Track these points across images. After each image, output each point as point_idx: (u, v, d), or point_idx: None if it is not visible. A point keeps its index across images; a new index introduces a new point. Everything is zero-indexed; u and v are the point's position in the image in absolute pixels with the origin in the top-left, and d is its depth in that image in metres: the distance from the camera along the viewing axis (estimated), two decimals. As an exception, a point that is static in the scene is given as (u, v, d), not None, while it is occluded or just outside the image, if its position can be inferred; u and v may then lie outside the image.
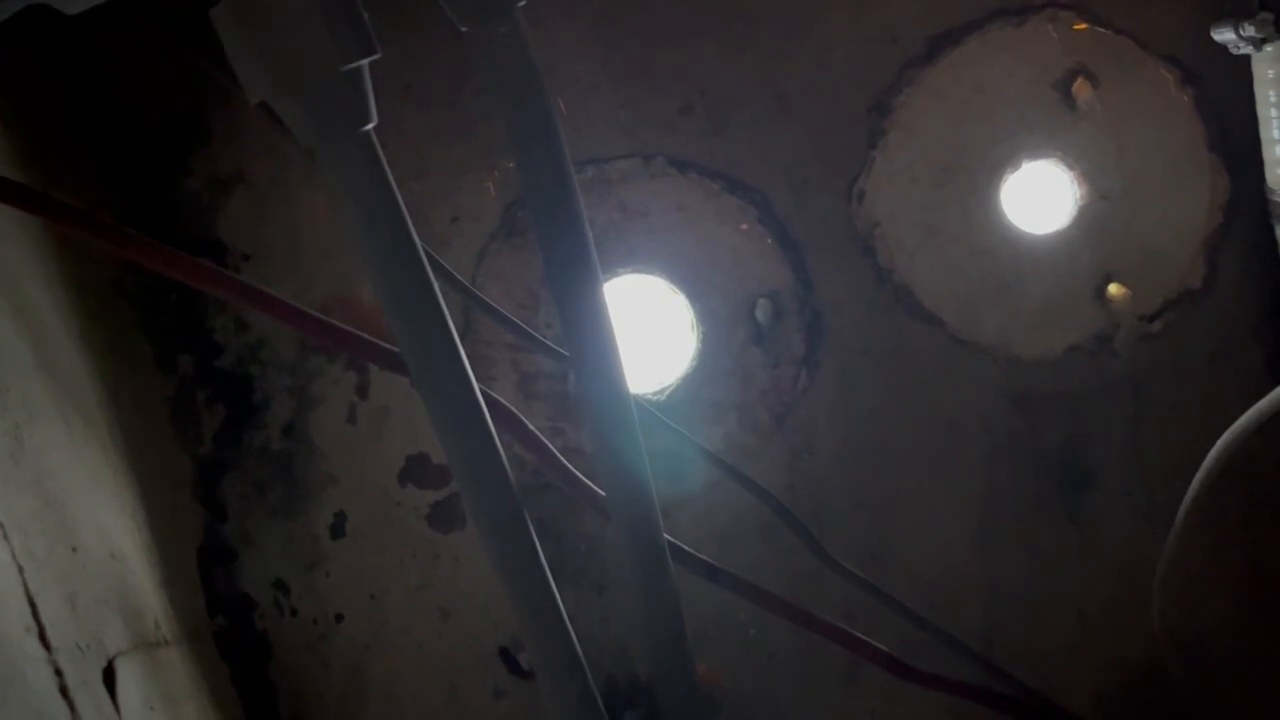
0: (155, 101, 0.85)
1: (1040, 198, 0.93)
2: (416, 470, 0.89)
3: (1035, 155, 0.91)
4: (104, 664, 0.58)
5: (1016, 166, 0.91)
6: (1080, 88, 0.90)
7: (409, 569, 0.89)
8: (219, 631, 0.86)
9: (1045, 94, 0.91)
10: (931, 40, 0.90)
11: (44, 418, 0.64)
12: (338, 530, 0.89)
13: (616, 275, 0.90)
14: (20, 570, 0.52)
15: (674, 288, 0.90)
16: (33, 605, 0.53)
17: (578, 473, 0.72)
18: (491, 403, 0.67)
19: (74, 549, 0.60)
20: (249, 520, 0.88)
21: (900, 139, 0.91)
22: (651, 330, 0.91)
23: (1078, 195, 0.92)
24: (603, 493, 0.71)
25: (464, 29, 0.56)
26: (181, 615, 0.78)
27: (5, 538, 0.52)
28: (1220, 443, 0.77)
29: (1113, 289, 0.91)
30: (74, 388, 0.71)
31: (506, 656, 0.90)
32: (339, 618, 0.89)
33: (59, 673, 0.53)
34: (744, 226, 0.90)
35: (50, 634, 0.53)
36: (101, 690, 0.57)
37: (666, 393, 0.91)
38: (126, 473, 0.77)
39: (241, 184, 0.87)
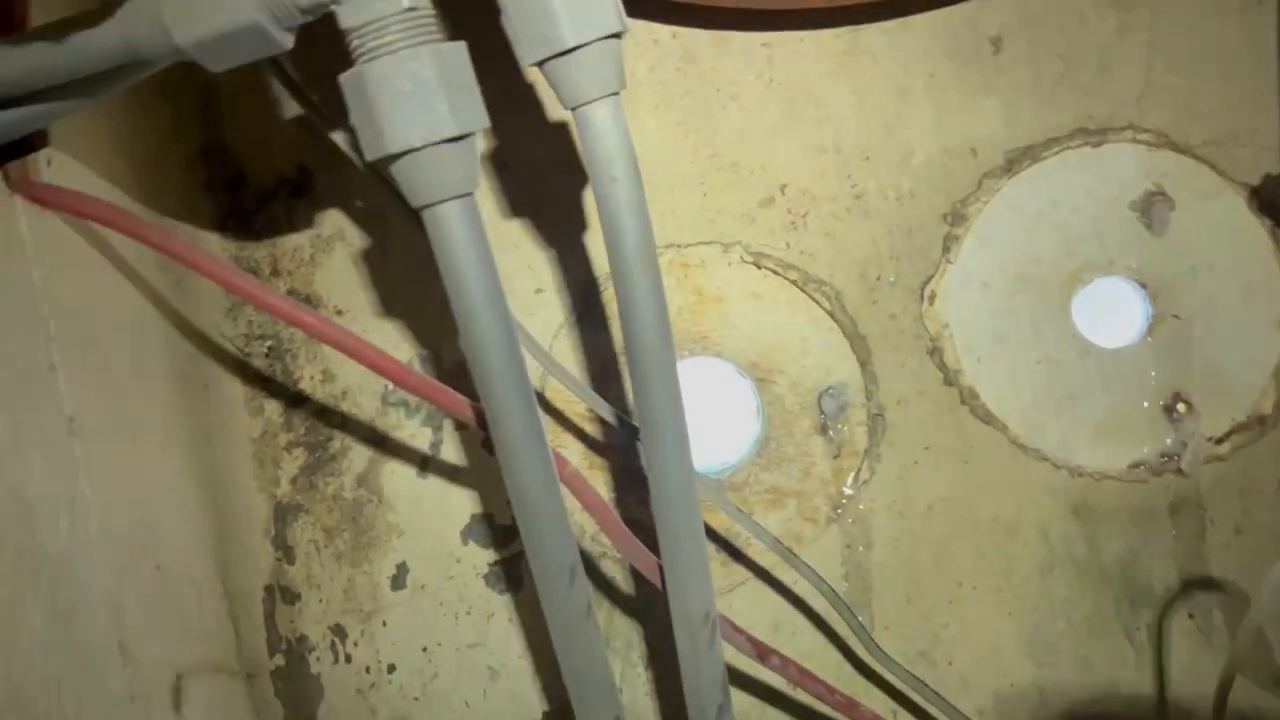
0: (270, 158, 0.92)
1: (1111, 312, 0.94)
2: (480, 529, 0.92)
3: (1108, 271, 0.93)
4: (173, 681, 0.61)
5: (1089, 280, 0.93)
6: (1155, 208, 0.92)
7: (463, 626, 0.91)
8: (276, 670, 0.89)
9: (1121, 212, 0.93)
10: (1010, 155, 0.93)
11: (148, 446, 0.68)
12: (398, 581, 0.91)
13: (687, 356, 0.92)
14: (113, 581, 0.56)
15: (742, 372, 0.93)
16: (118, 615, 0.56)
17: (636, 540, 0.74)
18: (559, 463, 0.70)
19: (158, 568, 0.63)
20: (315, 564, 0.91)
21: (974, 246, 0.93)
22: (716, 411, 0.93)
23: (1149, 313, 0.93)
24: (659, 560, 0.73)
25: (569, 109, 0.60)
26: (245, 649, 0.81)
27: (104, 549, 0.55)
28: (1276, 571, 0.76)
29: (1180, 408, 0.92)
30: (174, 422, 0.75)
31: (550, 722, 0.91)
32: (391, 668, 0.91)
33: (133, 682, 0.55)
34: (815, 318, 0.92)
35: (129, 645, 0.56)
36: (169, 704, 0.59)
37: (727, 474, 0.93)
38: (209, 507, 0.80)
39: (342, 242, 0.92)
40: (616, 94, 0.61)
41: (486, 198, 0.91)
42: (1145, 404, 0.93)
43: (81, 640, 0.51)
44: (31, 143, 0.59)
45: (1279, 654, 0.75)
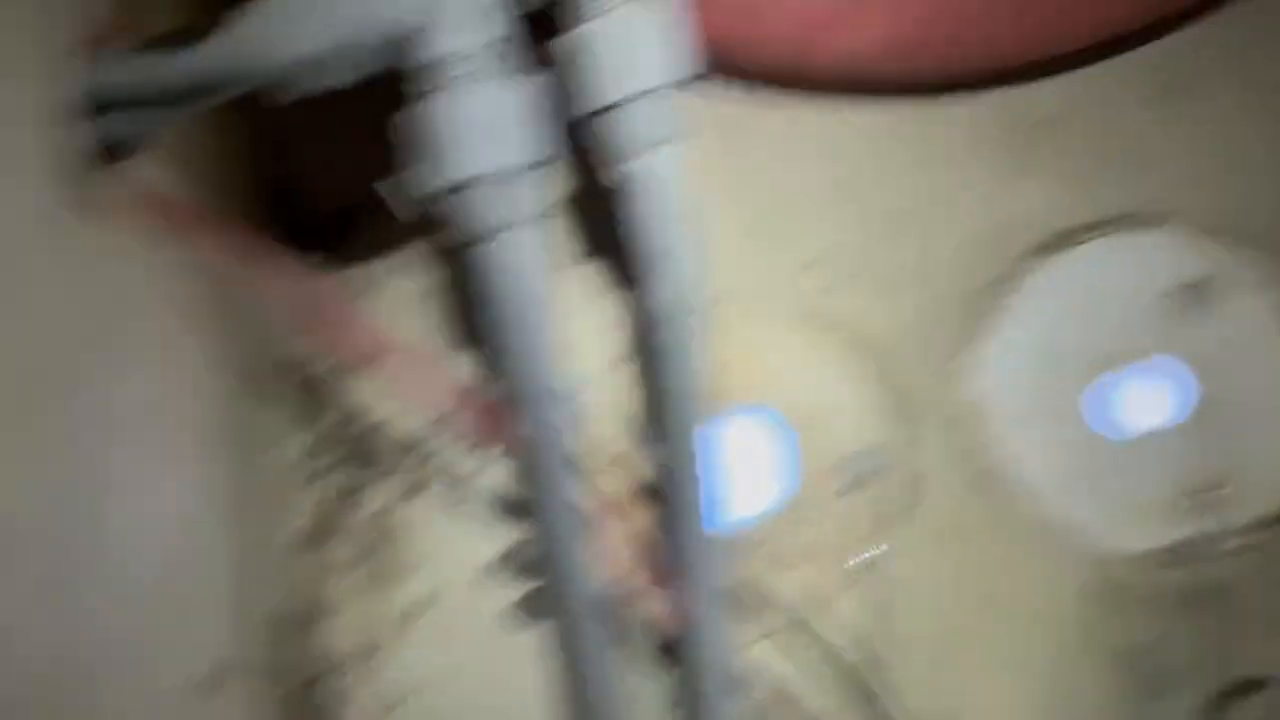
0: (330, 189, 0.95)
1: (1146, 397, 0.94)
2: (503, 566, 0.93)
3: (1145, 355, 0.94)
4: (208, 675, 0.62)
5: (1125, 364, 0.94)
6: (1194, 298, 0.93)
7: (480, 659, 0.92)
8: (298, 687, 0.90)
9: (1159, 299, 0.94)
10: (1052, 236, 0.95)
11: (198, 452, 0.70)
12: (420, 611, 0.92)
13: (723, 409, 0.93)
14: (161, 570, 0.57)
15: (777, 429, 0.94)
16: (165, 603, 0.57)
17: (658, 586, 0.75)
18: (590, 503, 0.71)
19: (200, 567, 0.65)
20: (341, 588, 0.92)
21: (1012, 322, 0.94)
22: (749, 465, 0.94)
23: (1184, 400, 0.93)
24: (682, 609, 0.73)
25: (626, 160, 0.62)
26: (272, 662, 0.82)
27: (155, 540, 0.57)
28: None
29: (1211, 496, 0.92)
30: (223, 434, 0.78)
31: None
32: (408, 696, 0.92)
33: (177, 669, 0.57)
34: (852, 382, 0.94)
35: (172, 633, 0.58)
36: (204, 695, 0.61)
37: (754, 527, 0.93)
38: (246, 519, 0.82)
39: (392, 278, 0.95)
40: (673, 143, 0.64)
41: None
42: (1176, 490, 0.93)
43: (135, 619, 0.52)
44: (129, 148, 0.63)
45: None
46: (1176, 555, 0.92)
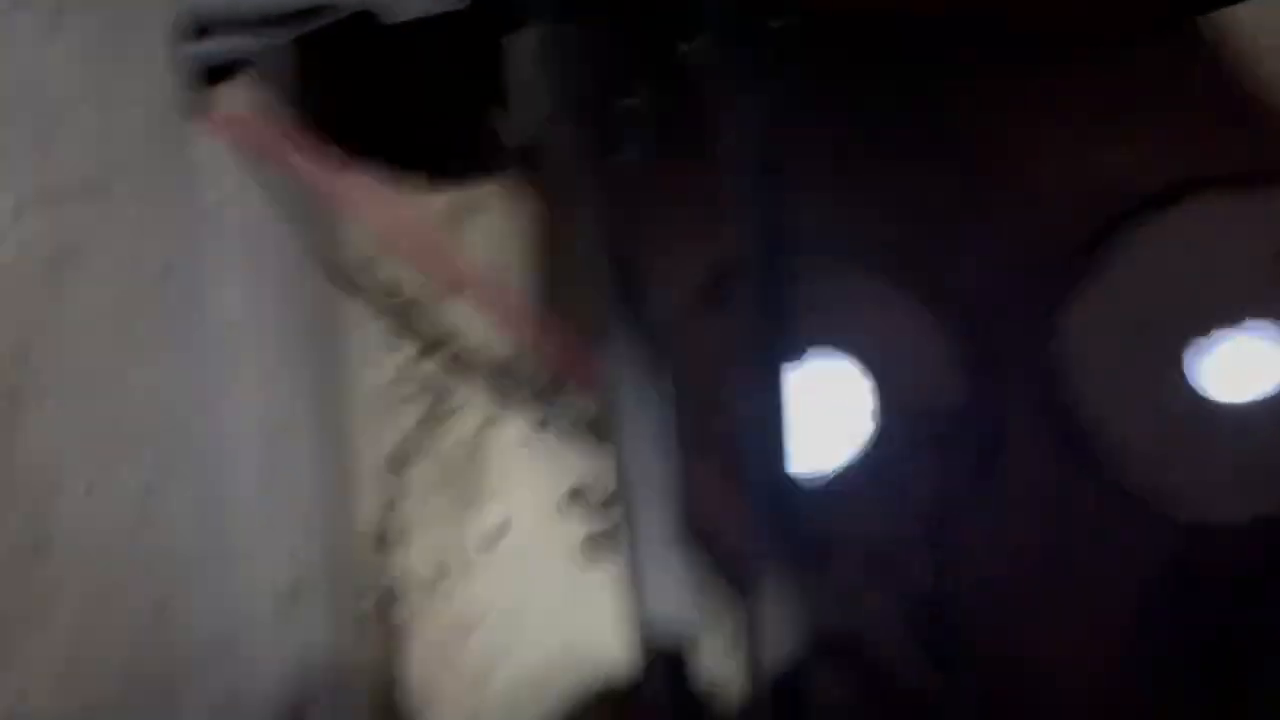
0: (432, 121, 0.96)
1: (1242, 365, 0.91)
2: (578, 501, 0.94)
3: (1242, 322, 0.91)
4: (293, 584, 0.65)
5: (1221, 330, 0.91)
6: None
7: (552, 590, 0.94)
8: (373, 605, 0.93)
9: (1261, 264, 0.90)
10: (1154, 194, 0.91)
11: (289, 372, 0.73)
12: (496, 539, 0.95)
13: (810, 354, 0.93)
14: (252, 482, 0.60)
15: (862, 375, 0.93)
16: (252, 513, 0.60)
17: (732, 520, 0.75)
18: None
19: (290, 481, 0.68)
20: (420, 512, 0.95)
21: (1108, 282, 0.92)
22: (831, 411, 0.93)
23: (1283, 369, 0.90)
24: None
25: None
26: (351, 579, 0.85)
27: (247, 451, 0.59)
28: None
29: (1307, 471, 0.89)
30: (312, 357, 0.80)
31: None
32: (477, 621, 0.94)
33: (261, 575, 0.59)
34: (941, 333, 0.92)
35: (261, 542, 0.60)
36: (289, 603, 0.63)
37: (831, 475, 0.93)
38: (333, 440, 0.85)
39: (482, 212, 0.96)
40: (757, 89, 0.63)
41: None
42: (1270, 460, 0.90)
43: (226, 527, 0.55)
44: (221, 75, 0.64)
45: None
46: (1267, 525, 0.89)
